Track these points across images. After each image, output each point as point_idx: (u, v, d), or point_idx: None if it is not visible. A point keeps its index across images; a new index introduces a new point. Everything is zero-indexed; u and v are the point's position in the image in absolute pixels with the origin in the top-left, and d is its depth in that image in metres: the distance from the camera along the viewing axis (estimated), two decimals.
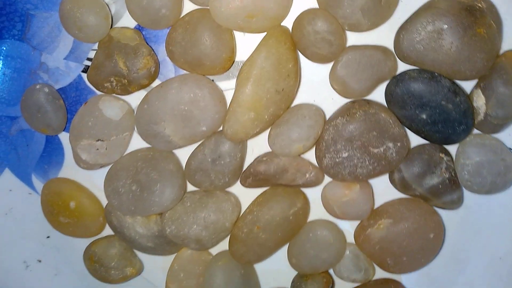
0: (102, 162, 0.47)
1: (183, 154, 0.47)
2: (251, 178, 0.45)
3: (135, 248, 0.50)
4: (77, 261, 0.52)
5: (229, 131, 0.42)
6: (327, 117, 0.45)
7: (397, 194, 0.47)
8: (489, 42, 0.40)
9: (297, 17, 0.41)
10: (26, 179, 0.51)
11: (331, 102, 0.45)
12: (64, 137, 0.50)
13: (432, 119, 0.41)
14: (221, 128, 0.45)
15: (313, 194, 0.48)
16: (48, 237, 0.53)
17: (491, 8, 0.40)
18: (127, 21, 0.45)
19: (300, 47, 0.42)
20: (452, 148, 0.45)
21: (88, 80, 0.46)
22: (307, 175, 0.45)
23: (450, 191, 0.44)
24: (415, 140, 0.45)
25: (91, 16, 0.42)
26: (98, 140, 0.45)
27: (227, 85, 0.46)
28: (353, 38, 0.43)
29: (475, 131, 0.44)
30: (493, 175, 0.43)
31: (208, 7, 0.41)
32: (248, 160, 0.47)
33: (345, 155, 0.42)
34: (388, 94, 0.42)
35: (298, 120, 0.42)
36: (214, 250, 0.50)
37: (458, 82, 0.43)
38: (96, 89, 0.46)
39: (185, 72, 0.45)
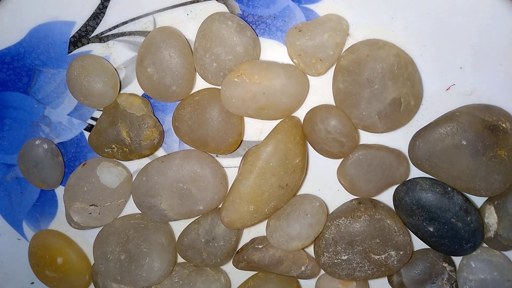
0: (94, 225, 0.45)
1: (178, 224, 0.46)
2: (244, 263, 0.44)
3: None
4: None
5: (226, 219, 0.41)
6: (331, 208, 0.43)
7: None
8: (509, 164, 0.38)
9: (310, 111, 0.40)
10: (17, 225, 0.50)
11: (337, 193, 0.43)
12: (59, 190, 0.48)
13: (439, 233, 0.39)
14: (220, 205, 0.43)
15: (308, 281, 0.46)
16: (32, 283, 0.52)
17: None
18: (136, 86, 0.43)
19: (310, 140, 0.40)
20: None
21: (89, 143, 0.44)
22: (303, 268, 0.43)
23: None
24: (419, 242, 0.43)
25: (98, 84, 0.41)
26: (91, 205, 0.44)
27: (230, 162, 0.44)
28: (366, 136, 0.41)
29: (483, 244, 0.42)
30: None
31: (219, 87, 0.40)
32: (244, 238, 0.46)
33: (344, 257, 0.41)
34: (396, 199, 0.40)
35: (299, 217, 0.40)
36: None
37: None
38: (96, 152, 0.44)
39: (188, 146, 0.43)
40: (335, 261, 0.41)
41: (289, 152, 0.39)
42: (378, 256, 0.40)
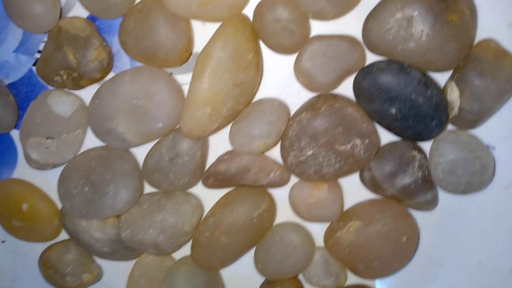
0: (54, 162, 0.44)
1: (142, 153, 0.44)
2: (212, 178, 0.43)
3: (92, 253, 0.47)
4: (34, 267, 0.49)
5: (184, 127, 0.39)
6: (293, 112, 0.42)
7: (368, 194, 0.44)
8: (462, 30, 0.37)
9: (257, 4, 0.38)
10: None
11: (298, 96, 0.42)
12: (16, 135, 0.47)
13: (402, 114, 0.39)
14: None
15: (281, 195, 0.45)
16: (3, 241, 0.50)
17: None
18: (79, 11, 0.42)
19: (261, 37, 0.39)
20: (426, 145, 0.42)
21: (37, 73, 0.43)
22: (272, 175, 0.42)
23: (423, 191, 0.42)
24: (387, 137, 0.43)
25: (36, 4, 0.39)
26: (48, 138, 0.42)
27: (186, 79, 0.43)
28: (318, 28, 0.40)
29: (450, 126, 0.42)
30: (468, 174, 0.40)
31: None
32: (212, 159, 0.44)
33: (309, 153, 0.40)
34: (355, 87, 0.40)
35: (258, 115, 0.39)
36: (177, 255, 0.47)
37: (432, 74, 0.40)
38: (46, 83, 0.43)
39: (140, 64, 0.42)
40: (301, 158, 0.40)
41: (239, 47, 0.38)
42: (343, 146, 0.39)
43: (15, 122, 0.45)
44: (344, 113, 0.39)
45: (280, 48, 0.39)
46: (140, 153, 0.45)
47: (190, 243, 0.46)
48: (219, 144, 0.44)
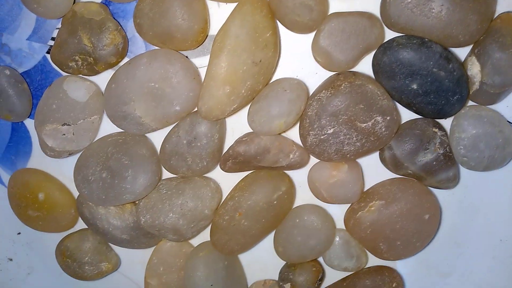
0: (70, 149, 0.43)
1: (158, 139, 0.44)
2: (230, 161, 0.42)
3: (110, 241, 0.46)
4: (51, 258, 0.49)
5: (203, 108, 0.39)
6: (311, 93, 0.42)
7: (388, 174, 0.44)
8: (483, 2, 0.36)
9: None
10: None
11: (316, 77, 0.42)
12: (30, 124, 0.46)
13: (423, 89, 0.38)
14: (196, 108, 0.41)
15: (299, 177, 0.45)
16: (19, 233, 0.50)
17: None
18: None
19: (279, 15, 0.39)
20: (446, 124, 0.42)
21: (51, 59, 0.42)
22: (291, 156, 0.42)
23: (445, 168, 0.41)
24: (406, 116, 0.42)
25: None
26: (64, 125, 0.42)
27: (202, 62, 0.43)
28: (336, 4, 0.40)
29: (470, 102, 0.41)
30: (491, 148, 0.40)
31: None
32: (229, 143, 0.44)
33: (330, 131, 0.39)
34: (375, 64, 0.39)
35: (278, 94, 0.39)
36: (196, 242, 0.47)
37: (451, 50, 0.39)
38: (61, 69, 0.42)
39: (156, 48, 0.42)
40: (322, 137, 0.39)
41: (257, 25, 0.37)
42: (364, 124, 0.39)
43: (29, 111, 0.45)
44: (364, 90, 0.39)
45: (297, 27, 0.39)
46: (156, 140, 0.44)
47: (208, 229, 0.45)
48: (235, 128, 0.44)
